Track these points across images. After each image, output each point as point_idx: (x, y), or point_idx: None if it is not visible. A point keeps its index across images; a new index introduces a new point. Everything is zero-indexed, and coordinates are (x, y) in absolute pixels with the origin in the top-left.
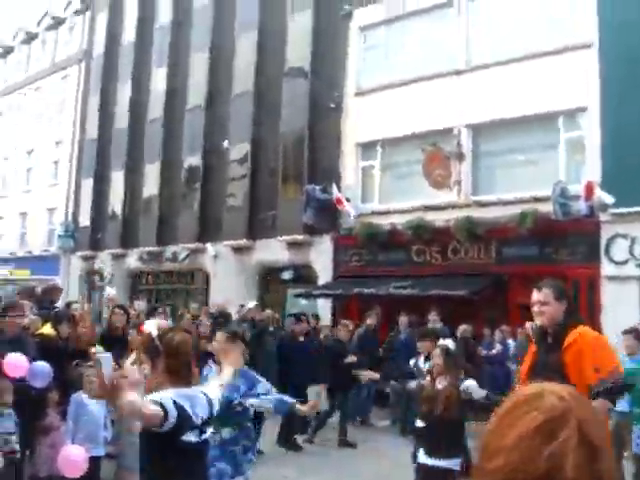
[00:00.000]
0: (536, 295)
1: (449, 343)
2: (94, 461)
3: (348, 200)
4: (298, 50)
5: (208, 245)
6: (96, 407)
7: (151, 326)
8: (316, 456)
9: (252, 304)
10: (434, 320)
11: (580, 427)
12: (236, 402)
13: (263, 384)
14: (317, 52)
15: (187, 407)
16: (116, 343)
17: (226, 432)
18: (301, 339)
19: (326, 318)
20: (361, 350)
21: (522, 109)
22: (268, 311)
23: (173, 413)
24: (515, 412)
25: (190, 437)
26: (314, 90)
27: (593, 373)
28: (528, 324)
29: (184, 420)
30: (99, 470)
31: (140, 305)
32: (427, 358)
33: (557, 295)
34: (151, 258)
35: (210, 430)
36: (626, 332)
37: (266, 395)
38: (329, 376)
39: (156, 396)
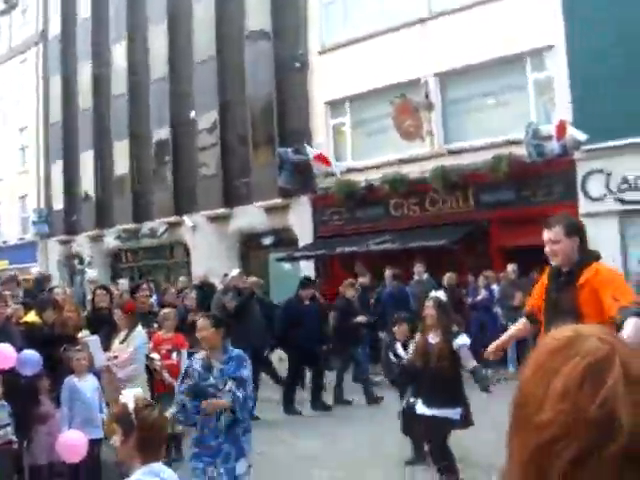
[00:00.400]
0: (546, 234)
1: (441, 294)
2: (93, 444)
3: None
4: (258, 12)
5: (185, 217)
6: (89, 390)
7: (128, 397)
8: (312, 418)
9: (235, 272)
10: (419, 272)
11: (626, 368)
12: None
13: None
14: (277, 13)
15: None
16: (103, 324)
17: (225, 417)
18: (307, 303)
19: None
20: (362, 309)
21: (488, 53)
22: (253, 278)
23: None
24: (556, 358)
25: None
26: (278, 51)
27: (613, 303)
28: (509, 267)
29: None
30: (99, 452)
31: (124, 284)
32: (404, 345)
33: (568, 231)
34: (129, 236)
35: None
36: None
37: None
38: (339, 335)
39: None
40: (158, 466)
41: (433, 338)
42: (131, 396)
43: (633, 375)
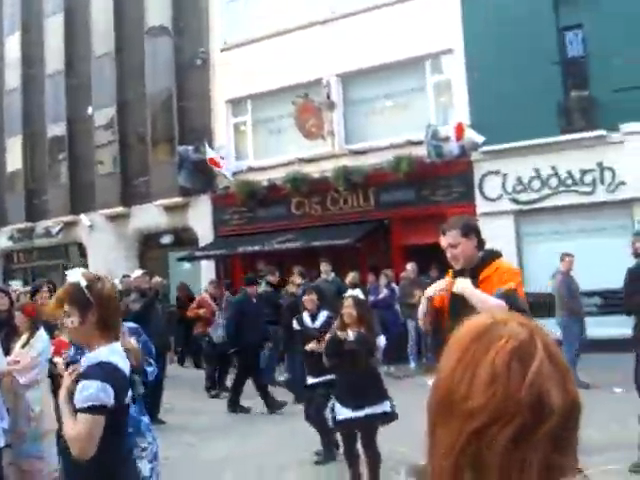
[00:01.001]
0: (444, 240)
1: (358, 292)
2: None
3: (222, 158)
4: (158, 7)
5: (82, 216)
6: None
7: (77, 275)
8: (221, 420)
9: (138, 272)
10: (326, 271)
11: (547, 348)
12: None
13: None
14: (178, 8)
15: (123, 367)
16: (2, 327)
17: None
18: (254, 301)
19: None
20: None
21: (389, 55)
22: (157, 278)
23: (110, 399)
24: (479, 344)
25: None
26: (178, 48)
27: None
28: (409, 266)
29: (123, 384)
30: (1, 460)
31: (17, 286)
32: (313, 315)
33: (464, 232)
34: (22, 236)
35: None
36: None
37: None
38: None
39: (89, 397)
40: (118, 345)
41: (351, 335)
42: (78, 274)
43: (554, 355)
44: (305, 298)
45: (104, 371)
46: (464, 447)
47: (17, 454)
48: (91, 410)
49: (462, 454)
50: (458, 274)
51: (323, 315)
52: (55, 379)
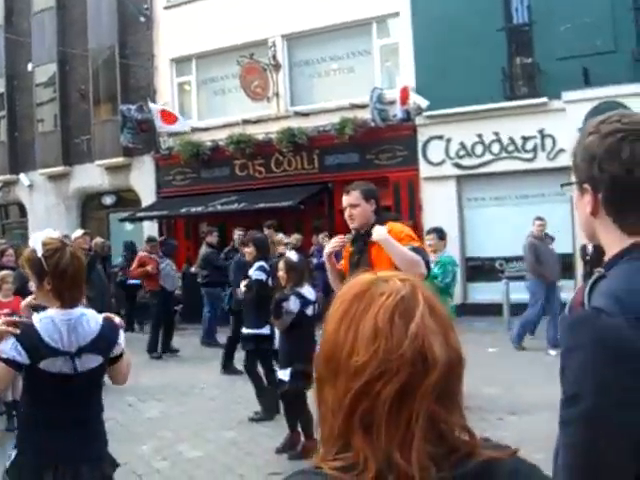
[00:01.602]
0: (345, 199)
1: (292, 255)
2: None
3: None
4: None
5: (21, 175)
6: None
7: (36, 242)
8: (155, 383)
9: (79, 232)
10: (269, 233)
11: (429, 302)
12: None
13: None
14: None
15: (42, 332)
16: None
17: None
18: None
19: None
20: (212, 269)
21: (336, 17)
22: (98, 239)
23: (19, 355)
24: (361, 300)
25: (50, 366)
26: (121, 4)
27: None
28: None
29: (40, 349)
30: None
31: None
32: (252, 266)
33: (365, 196)
34: None
35: (94, 361)
36: (429, 232)
37: None
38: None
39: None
40: (78, 309)
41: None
42: (38, 241)
43: (436, 308)
44: (245, 249)
45: (24, 332)
46: (352, 405)
47: None
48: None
49: (350, 412)
50: (355, 237)
51: (256, 265)
52: None
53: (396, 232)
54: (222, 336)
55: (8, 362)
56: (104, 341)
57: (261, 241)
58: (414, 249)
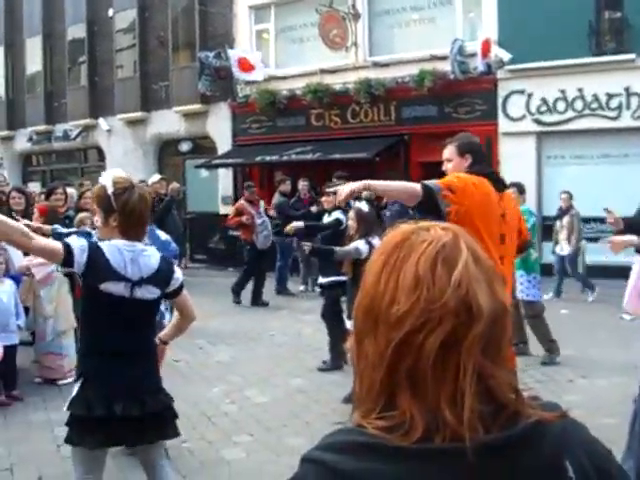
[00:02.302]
0: (444, 152)
1: (363, 205)
2: (8, 350)
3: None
4: None
5: (100, 120)
6: (5, 295)
7: (107, 179)
8: (225, 328)
9: (156, 177)
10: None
11: (472, 251)
12: None
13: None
14: None
15: (109, 255)
16: None
17: None
18: None
19: (228, 189)
20: (283, 219)
21: None
22: (174, 184)
23: (80, 256)
24: (402, 249)
25: (111, 288)
26: None
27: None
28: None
29: (100, 266)
30: (14, 359)
31: (35, 187)
32: (329, 212)
33: (461, 151)
34: (41, 138)
35: (151, 293)
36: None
37: None
38: None
39: (70, 240)
40: (140, 245)
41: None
42: (109, 178)
43: (480, 258)
44: (323, 199)
45: (91, 248)
46: (394, 357)
47: (38, 351)
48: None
49: (392, 365)
50: None
51: (335, 214)
52: (72, 279)
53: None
54: (294, 284)
55: (66, 248)
56: (162, 276)
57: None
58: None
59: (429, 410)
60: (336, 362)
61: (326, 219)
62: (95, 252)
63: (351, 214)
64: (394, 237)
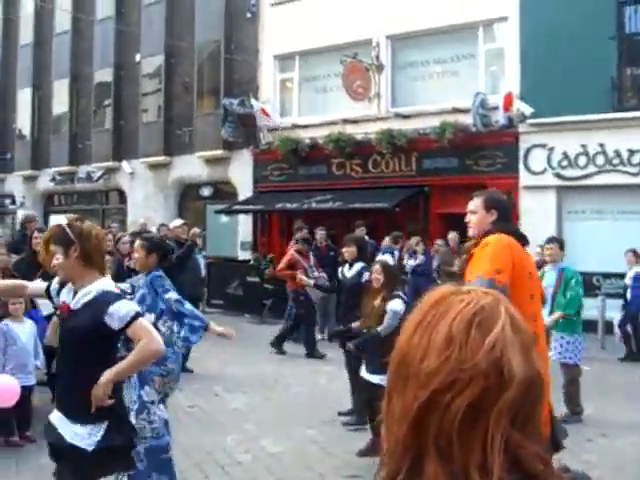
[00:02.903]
0: (470, 204)
1: (387, 258)
2: (25, 390)
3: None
4: None
5: (123, 163)
6: (25, 335)
7: (59, 219)
8: (241, 374)
9: (178, 222)
10: (360, 233)
11: (511, 315)
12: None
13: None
14: None
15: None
16: (40, 267)
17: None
18: None
19: (247, 234)
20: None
21: (442, 19)
22: (195, 229)
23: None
24: (441, 306)
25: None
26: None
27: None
28: (451, 234)
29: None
30: (30, 400)
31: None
32: (350, 264)
33: (487, 205)
34: (64, 179)
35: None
36: (547, 241)
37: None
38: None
39: (129, 311)
40: (108, 279)
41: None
42: (61, 218)
43: (518, 324)
44: (344, 249)
45: (114, 294)
46: (419, 415)
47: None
48: (137, 316)
49: (417, 423)
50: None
51: (358, 266)
52: None
53: (484, 249)
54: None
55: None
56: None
57: (363, 242)
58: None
59: (456, 476)
60: (361, 416)
61: (347, 270)
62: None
63: (376, 267)
64: (433, 296)
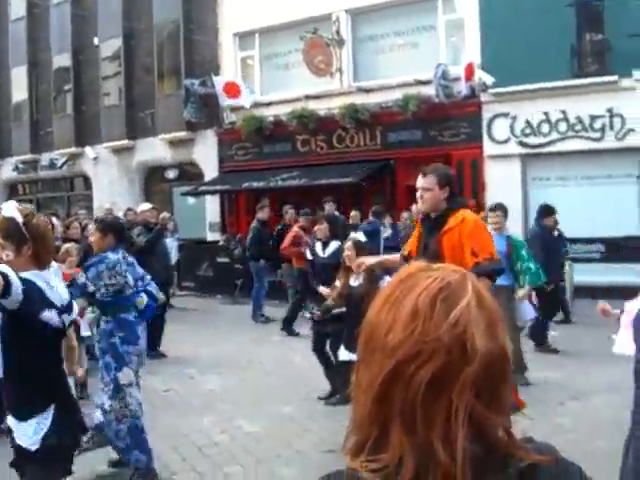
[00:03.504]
0: (421, 181)
1: (360, 236)
2: None
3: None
4: None
5: (87, 148)
6: None
7: (11, 210)
8: (215, 356)
9: (146, 206)
10: (330, 209)
11: (477, 292)
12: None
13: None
14: None
15: (41, 284)
16: None
17: (103, 322)
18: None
19: (215, 215)
20: (256, 244)
21: None
22: (165, 214)
23: (17, 285)
24: (409, 281)
25: (50, 316)
26: None
27: (471, 257)
28: (414, 207)
29: (36, 296)
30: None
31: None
32: (325, 244)
33: (441, 182)
34: (27, 167)
35: (71, 316)
36: (492, 209)
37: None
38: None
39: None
40: (47, 273)
41: (355, 280)
42: (13, 209)
43: (485, 302)
44: (316, 227)
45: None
46: (384, 386)
47: None
48: None
49: (382, 394)
50: (425, 220)
51: (334, 245)
52: None
53: (469, 227)
54: (271, 309)
55: (3, 276)
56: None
57: (334, 218)
58: (480, 268)
59: (420, 446)
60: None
61: (319, 249)
62: (28, 280)
63: (348, 244)
64: (402, 272)
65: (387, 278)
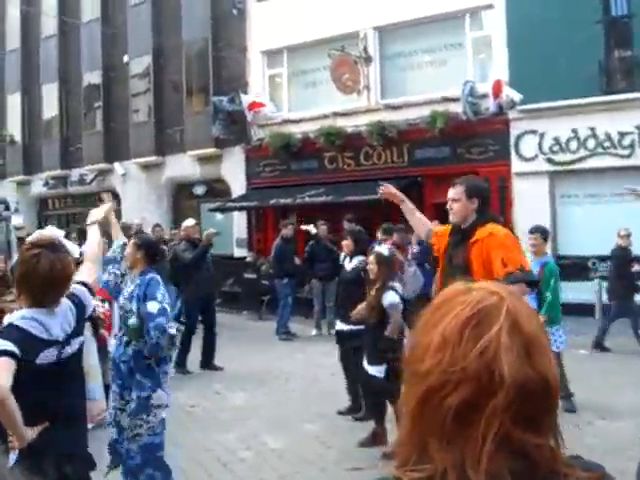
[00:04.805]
0: (450, 192)
1: (383, 249)
2: None
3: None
4: None
5: (116, 164)
6: None
7: (54, 231)
8: (241, 372)
9: (190, 222)
10: (349, 226)
11: (513, 317)
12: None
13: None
14: None
15: (31, 328)
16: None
17: (135, 344)
18: None
19: (242, 231)
20: (279, 262)
21: (428, 9)
22: (211, 230)
23: (11, 348)
24: (442, 309)
25: (46, 359)
26: None
27: (501, 267)
28: (435, 222)
29: (31, 344)
30: None
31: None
32: (351, 258)
33: (469, 193)
34: (57, 183)
35: (76, 343)
36: (531, 231)
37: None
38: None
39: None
40: (38, 311)
41: (374, 290)
42: (55, 231)
43: (521, 327)
44: (344, 243)
45: (7, 332)
46: (417, 409)
47: None
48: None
49: (417, 417)
50: (454, 231)
51: (356, 260)
52: (95, 322)
53: (497, 239)
54: (296, 326)
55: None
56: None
57: (359, 234)
58: (514, 277)
59: (458, 465)
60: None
61: (347, 263)
62: (15, 337)
63: (371, 258)
64: (441, 295)
65: (390, 292)
